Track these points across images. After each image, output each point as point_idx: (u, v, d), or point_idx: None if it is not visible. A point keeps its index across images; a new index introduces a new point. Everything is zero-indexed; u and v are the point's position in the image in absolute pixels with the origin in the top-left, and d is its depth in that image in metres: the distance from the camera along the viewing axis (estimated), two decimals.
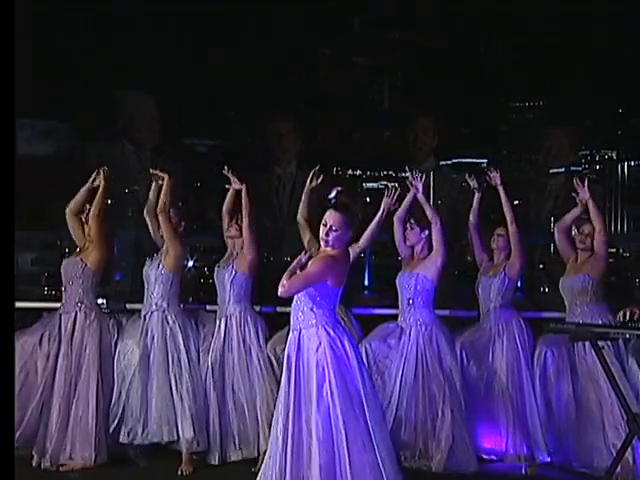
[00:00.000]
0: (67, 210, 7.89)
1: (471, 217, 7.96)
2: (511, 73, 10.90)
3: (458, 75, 10.86)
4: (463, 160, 10.94)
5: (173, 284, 7.72)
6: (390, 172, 11.28)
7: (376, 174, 11.34)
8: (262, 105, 10.83)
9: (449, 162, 10.99)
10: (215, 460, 7.56)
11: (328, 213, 5.84)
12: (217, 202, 8.16)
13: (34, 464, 7.43)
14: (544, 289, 10.09)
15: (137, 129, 10.38)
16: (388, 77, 11.62)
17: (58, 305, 8.05)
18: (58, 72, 10.13)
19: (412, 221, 7.79)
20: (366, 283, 10.24)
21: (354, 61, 11.50)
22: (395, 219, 7.82)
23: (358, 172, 11.10)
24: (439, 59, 11.02)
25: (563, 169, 10.83)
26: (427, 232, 7.71)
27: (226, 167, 7.85)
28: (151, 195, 7.89)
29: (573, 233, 7.84)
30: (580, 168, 10.71)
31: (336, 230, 5.78)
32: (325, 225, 5.80)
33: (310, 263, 5.75)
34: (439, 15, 10.77)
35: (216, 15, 10.28)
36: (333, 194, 6.03)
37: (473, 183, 7.97)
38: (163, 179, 7.75)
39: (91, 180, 7.87)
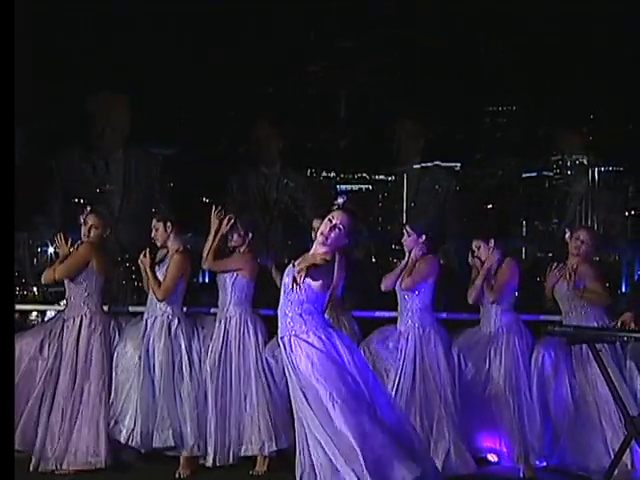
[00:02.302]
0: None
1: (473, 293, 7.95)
2: (489, 76, 10.99)
3: (437, 77, 10.93)
4: (436, 163, 10.93)
5: (179, 289, 7.67)
6: (364, 174, 11.31)
7: (350, 176, 11.36)
8: (245, 106, 10.83)
9: (420, 165, 10.98)
10: (213, 463, 7.49)
11: (336, 212, 5.79)
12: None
13: (32, 466, 7.37)
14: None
15: (102, 134, 10.22)
16: (366, 79, 11.64)
17: (31, 307, 7.92)
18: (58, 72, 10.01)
19: (407, 228, 7.80)
20: None
21: (330, 64, 11.51)
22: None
23: (332, 174, 11.09)
24: (421, 60, 11.10)
25: (535, 173, 10.98)
26: (424, 237, 7.74)
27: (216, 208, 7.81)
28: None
29: (566, 237, 7.90)
30: (552, 173, 10.82)
31: (340, 229, 5.73)
32: (330, 221, 5.75)
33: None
34: (410, 17, 10.84)
35: (195, 15, 10.27)
36: (341, 200, 6.01)
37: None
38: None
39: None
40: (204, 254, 7.70)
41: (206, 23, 10.28)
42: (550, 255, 10.34)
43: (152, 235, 7.74)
